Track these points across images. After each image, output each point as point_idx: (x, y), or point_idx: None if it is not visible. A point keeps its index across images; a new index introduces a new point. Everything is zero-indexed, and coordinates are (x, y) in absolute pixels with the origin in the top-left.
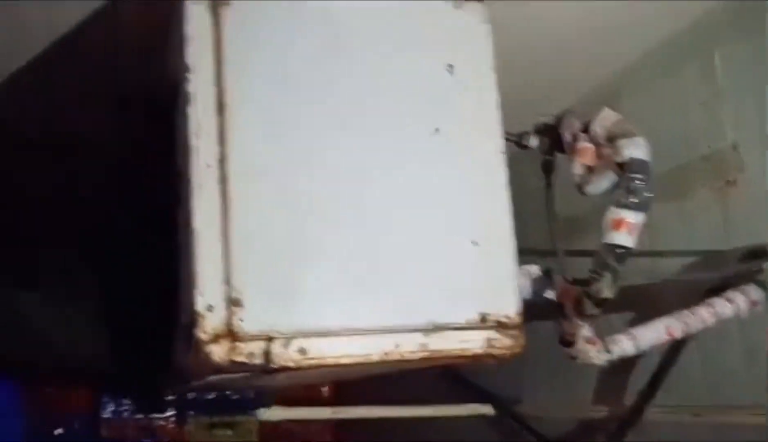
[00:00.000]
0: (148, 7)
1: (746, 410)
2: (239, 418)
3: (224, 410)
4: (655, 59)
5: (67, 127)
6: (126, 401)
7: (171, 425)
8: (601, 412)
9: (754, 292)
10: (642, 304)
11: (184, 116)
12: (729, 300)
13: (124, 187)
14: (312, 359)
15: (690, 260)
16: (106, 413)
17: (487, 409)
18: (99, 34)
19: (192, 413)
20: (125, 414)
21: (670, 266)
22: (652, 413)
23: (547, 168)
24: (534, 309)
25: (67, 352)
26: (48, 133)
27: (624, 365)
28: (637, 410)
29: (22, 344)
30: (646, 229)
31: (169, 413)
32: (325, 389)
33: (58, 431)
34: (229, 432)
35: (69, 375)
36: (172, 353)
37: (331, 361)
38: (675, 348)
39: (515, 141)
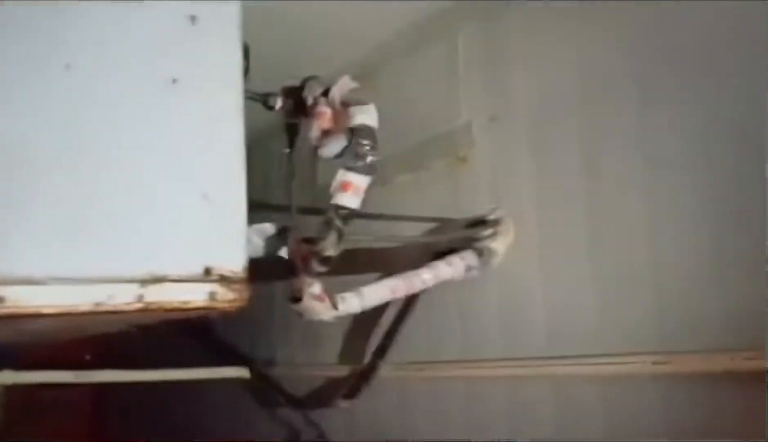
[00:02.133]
0: None
1: (460, 365)
2: None
3: None
4: (406, 40)
5: None
6: None
7: None
8: (344, 371)
9: (471, 257)
10: (384, 266)
11: None
12: (449, 263)
13: None
14: (9, 307)
15: (426, 225)
16: None
17: (243, 372)
18: None
19: None
20: None
21: (409, 232)
22: (384, 370)
23: (291, 130)
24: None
25: None
26: None
27: (365, 326)
28: (372, 367)
29: None
30: (388, 196)
31: None
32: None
33: None
34: None
35: None
36: None
37: (31, 310)
38: (404, 309)
39: (261, 101)
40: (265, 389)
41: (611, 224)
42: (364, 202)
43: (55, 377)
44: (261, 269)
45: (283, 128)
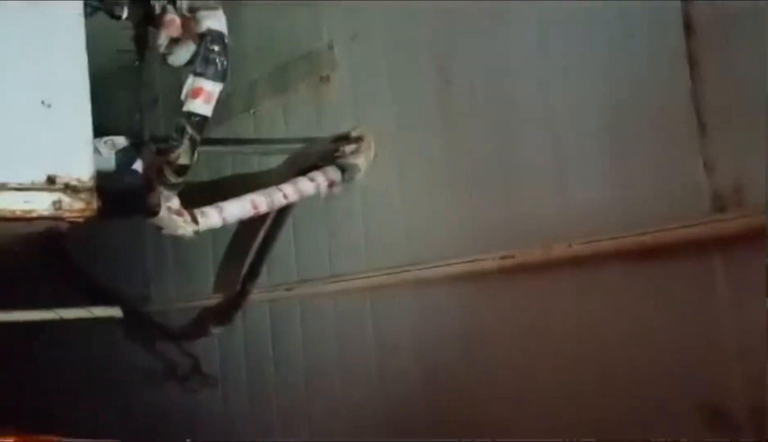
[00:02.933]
0: None
1: (328, 281)
2: None
3: None
4: None
5: None
6: None
7: None
8: (218, 299)
9: (333, 172)
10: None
11: None
12: (311, 179)
13: None
14: None
15: (293, 150)
16: None
17: (115, 311)
18: None
19: None
20: None
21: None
22: (255, 294)
23: (140, 41)
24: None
25: None
26: None
27: (236, 253)
28: (243, 292)
29: None
30: (257, 124)
31: None
32: None
33: None
34: None
35: None
36: None
37: None
38: (272, 230)
39: (106, 10)
40: (139, 326)
41: (463, 134)
42: (233, 130)
43: None
44: (126, 202)
45: (131, 39)
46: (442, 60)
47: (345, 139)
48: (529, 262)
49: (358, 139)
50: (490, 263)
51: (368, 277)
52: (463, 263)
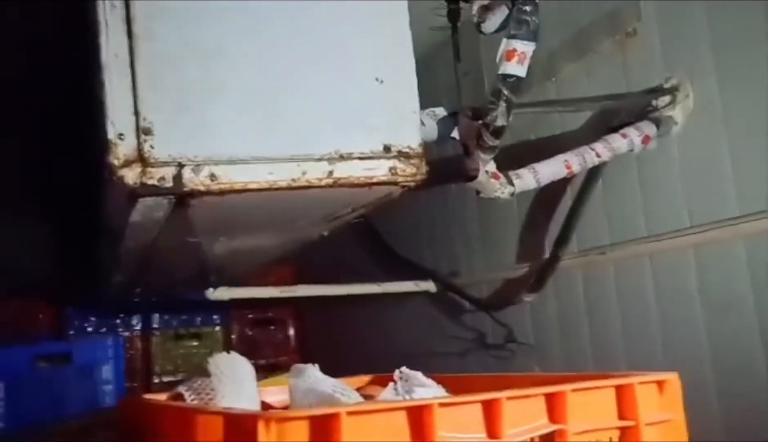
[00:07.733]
0: None
1: (645, 241)
2: (205, 328)
3: (190, 323)
4: None
5: None
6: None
7: (136, 337)
8: (525, 269)
9: (647, 127)
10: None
11: None
12: (624, 135)
13: None
14: (222, 183)
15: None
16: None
17: (429, 285)
18: None
19: (158, 325)
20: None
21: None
22: (566, 259)
23: (453, 16)
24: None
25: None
26: None
27: (541, 220)
28: (553, 259)
29: None
30: (557, 90)
31: (135, 326)
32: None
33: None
34: (195, 342)
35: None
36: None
37: (240, 186)
38: (582, 193)
39: None
40: (450, 298)
41: None
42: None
43: (263, 293)
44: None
45: (446, 15)
46: None
47: (658, 91)
48: None
49: (673, 90)
50: None
51: (693, 233)
52: None
